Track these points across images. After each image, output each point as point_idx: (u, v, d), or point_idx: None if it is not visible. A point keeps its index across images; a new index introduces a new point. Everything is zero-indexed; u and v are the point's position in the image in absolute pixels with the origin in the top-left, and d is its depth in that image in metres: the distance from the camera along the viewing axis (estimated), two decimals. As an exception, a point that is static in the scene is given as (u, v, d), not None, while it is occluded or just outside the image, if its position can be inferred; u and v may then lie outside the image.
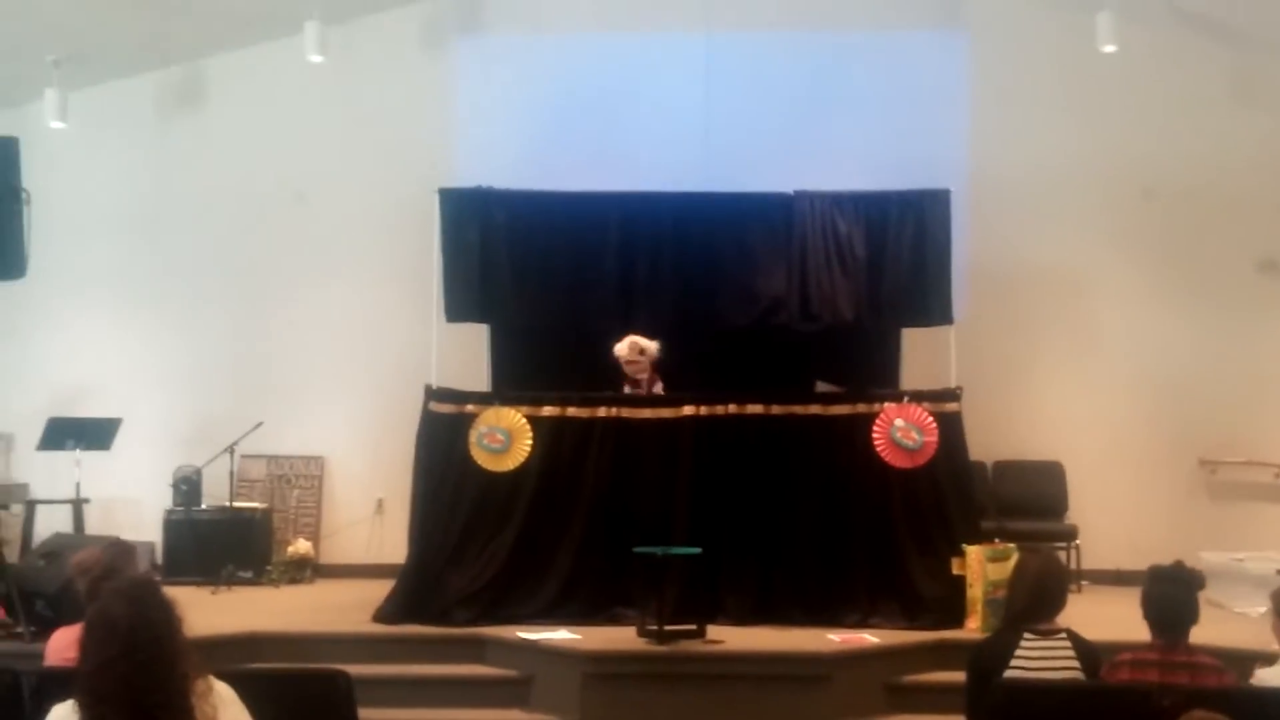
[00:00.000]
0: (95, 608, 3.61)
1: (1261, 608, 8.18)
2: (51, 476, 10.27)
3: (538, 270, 9.24)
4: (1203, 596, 4.77)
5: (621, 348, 8.87)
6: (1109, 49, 9.68)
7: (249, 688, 3.87)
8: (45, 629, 7.38)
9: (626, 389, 8.86)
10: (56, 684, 3.97)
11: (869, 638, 7.85)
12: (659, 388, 8.89)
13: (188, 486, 10.24)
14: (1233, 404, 10.27)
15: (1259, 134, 10.37)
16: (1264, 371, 10.26)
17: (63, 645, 4.90)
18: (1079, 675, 4.66)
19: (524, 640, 7.80)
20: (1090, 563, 9.76)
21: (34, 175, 7.36)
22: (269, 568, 10.11)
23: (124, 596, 3.57)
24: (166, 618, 3.60)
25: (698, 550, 8.03)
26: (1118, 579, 9.34)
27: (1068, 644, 4.77)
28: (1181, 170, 10.41)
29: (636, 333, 9.00)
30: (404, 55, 10.87)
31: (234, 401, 10.53)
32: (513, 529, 8.44)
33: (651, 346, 8.88)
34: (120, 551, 5.15)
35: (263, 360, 10.73)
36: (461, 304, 9.21)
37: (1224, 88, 10.50)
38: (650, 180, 9.66)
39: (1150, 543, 9.14)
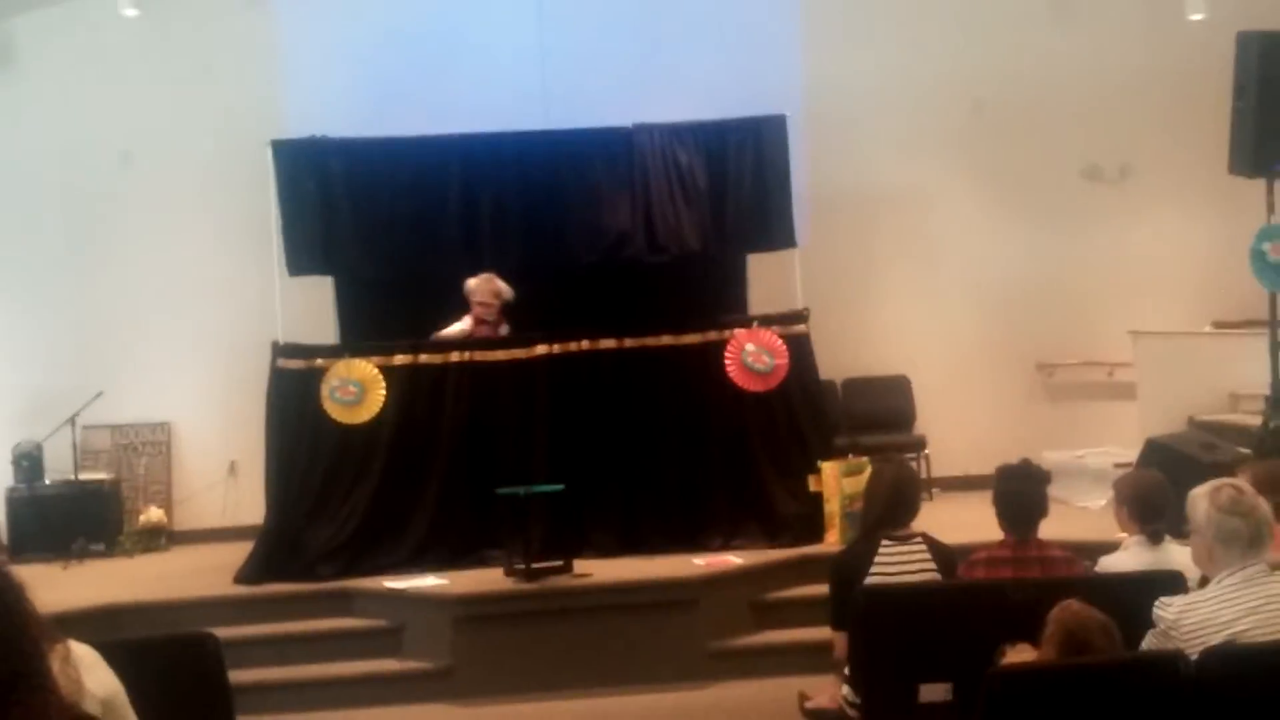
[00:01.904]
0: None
1: (1101, 500, 8.61)
2: (-118, 461, 9.87)
3: (380, 219, 9.10)
4: (1047, 493, 4.96)
5: (478, 284, 8.73)
6: (932, -33, 9.84)
7: (114, 658, 3.77)
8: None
9: (468, 323, 8.77)
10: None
11: (733, 559, 8.02)
12: (504, 330, 8.86)
13: (29, 462, 9.91)
14: (1066, 308, 10.60)
15: (1079, 45, 10.64)
16: (1093, 275, 10.59)
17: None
18: (937, 577, 4.84)
19: (391, 590, 7.81)
20: (939, 470, 10.08)
21: None
22: (121, 538, 9.86)
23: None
24: (8, 585, 3.50)
25: (560, 487, 8.08)
26: (966, 484, 9.65)
27: (924, 548, 4.94)
28: (1008, 84, 10.62)
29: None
30: (225, 4, 10.52)
31: (72, 372, 10.17)
32: (372, 480, 8.40)
33: (506, 290, 8.81)
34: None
35: (100, 327, 10.37)
36: (303, 257, 9.04)
37: (1045, 1, 10.77)
38: (489, 122, 9.52)
39: (995, 447, 9.35)
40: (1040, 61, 10.65)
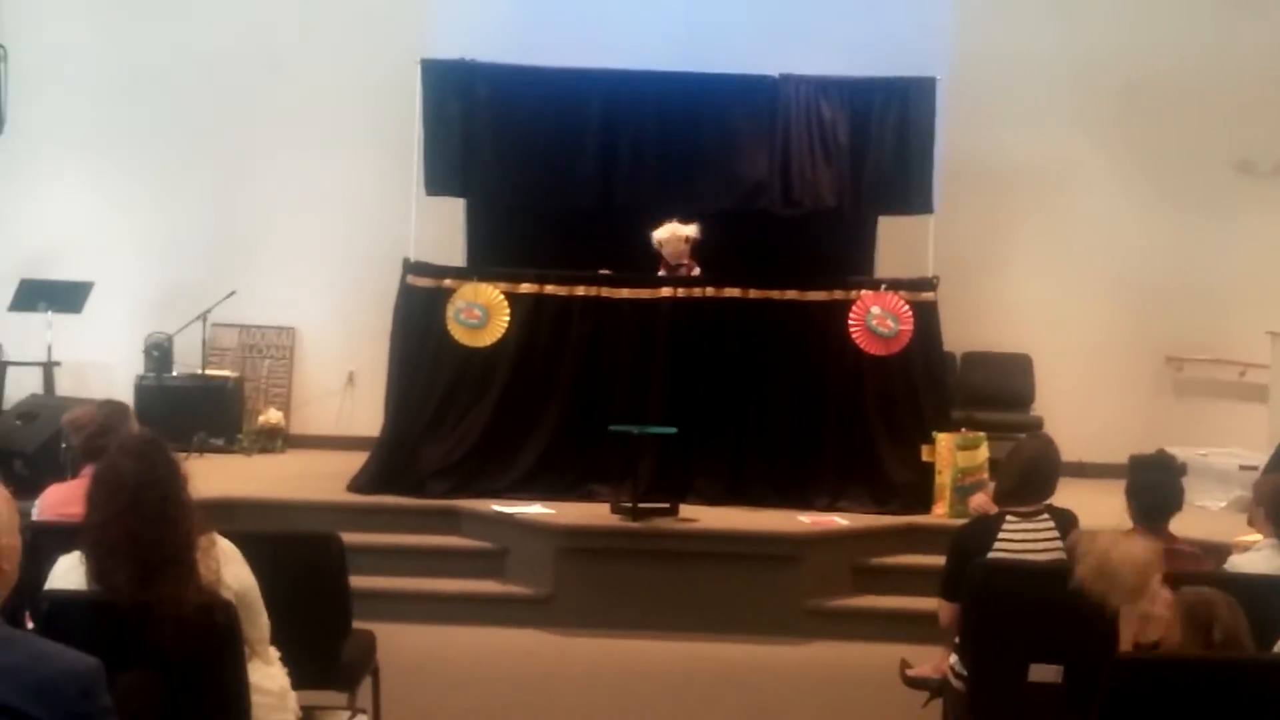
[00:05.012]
0: (104, 462, 3.64)
1: (1223, 501, 8.46)
2: (23, 338, 10.18)
3: (519, 146, 9.08)
4: (1183, 486, 4.88)
5: (667, 238, 8.74)
6: (1100, -61, 9.59)
7: (243, 548, 3.91)
8: (22, 488, 7.41)
9: (661, 273, 8.81)
10: (54, 538, 4.00)
11: (838, 520, 8.01)
12: (695, 271, 8.84)
13: (159, 353, 10.17)
14: (1202, 302, 10.37)
15: (1243, 33, 10.35)
16: (1234, 271, 10.35)
17: (56, 501, 4.93)
18: (1063, 556, 4.78)
19: (499, 514, 7.91)
20: (1054, 454, 9.91)
21: (12, 31, 7.15)
22: (240, 436, 10.12)
23: (132, 453, 3.60)
24: (173, 475, 3.64)
25: (674, 430, 8.11)
26: (1080, 471, 9.45)
27: (1049, 522, 4.88)
28: (1165, 66, 10.36)
29: (621, 213, 9.00)
30: (384, -80, 10.61)
31: (207, 269, 10.42)
32: (489, 404, 8.49)
33: (694, 233, 8.77)
34: (114, 410, 5.15)
35: (238, 228, 10.59)
36: (442, 177, 9.07)
37: (1212, -15, 10.46)
38: (632, 58, 9.47)
39: (1115, 437, 9.30)
40: (1201, 45, 10.37)
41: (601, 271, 8.74)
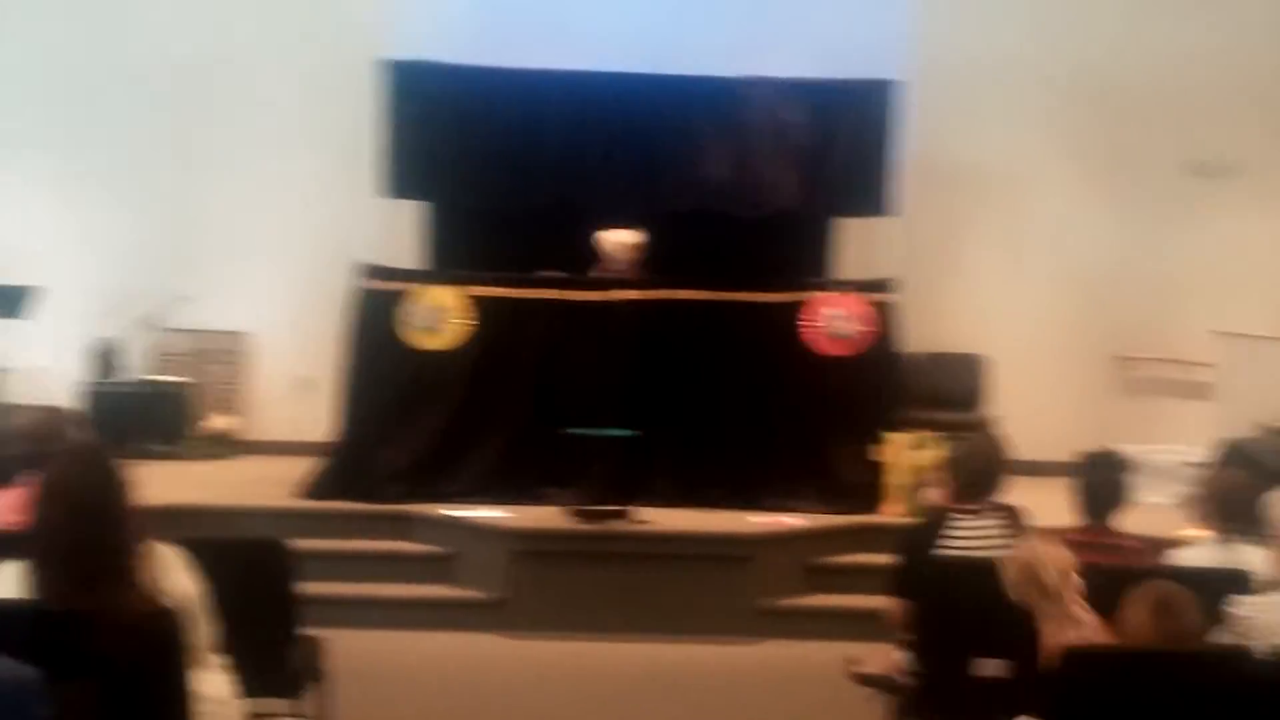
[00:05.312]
0: (46, 469, 3.60)
1: (1168, 498, 8.52)
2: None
3: (480, 149, 9.05)
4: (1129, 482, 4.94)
5: (616, 249, 8.80)
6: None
7: (186, 554, 3.87)
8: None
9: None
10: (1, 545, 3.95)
11: (789, 520, 8.02)
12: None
13: (108, 358, 10.05)
14: (1150, 302, 10.46)
15: (1195, 36, 10.40)
16: (1182, 271, 10.45)
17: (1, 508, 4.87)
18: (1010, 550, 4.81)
19: (451, 518, 7.88)
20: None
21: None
22: (190, 442, 10.01)
23: (74, 460, 3.58)
24: (115, 481, 3.61)
25: (634, 432, 8.10)
26: (1032, 469, 9.50)
27: (996, 519, 4.92)
28: (1119, 69, 10.42)
29: (581, 214, 9.02)
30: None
31: (155, 273, 10.25)
32: (444, 408, 8.46)
33: (640, 238, 8.83)
34: (57, 417, 5.10)
35: (190, 232, 10.43)
36: (405, 181, 9.03)
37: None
38: (593, 60, 9.47)
39: (1065, 435, 9.28)
40: (1155, 48, 10.40)
41: (546, 273, 8.72)
